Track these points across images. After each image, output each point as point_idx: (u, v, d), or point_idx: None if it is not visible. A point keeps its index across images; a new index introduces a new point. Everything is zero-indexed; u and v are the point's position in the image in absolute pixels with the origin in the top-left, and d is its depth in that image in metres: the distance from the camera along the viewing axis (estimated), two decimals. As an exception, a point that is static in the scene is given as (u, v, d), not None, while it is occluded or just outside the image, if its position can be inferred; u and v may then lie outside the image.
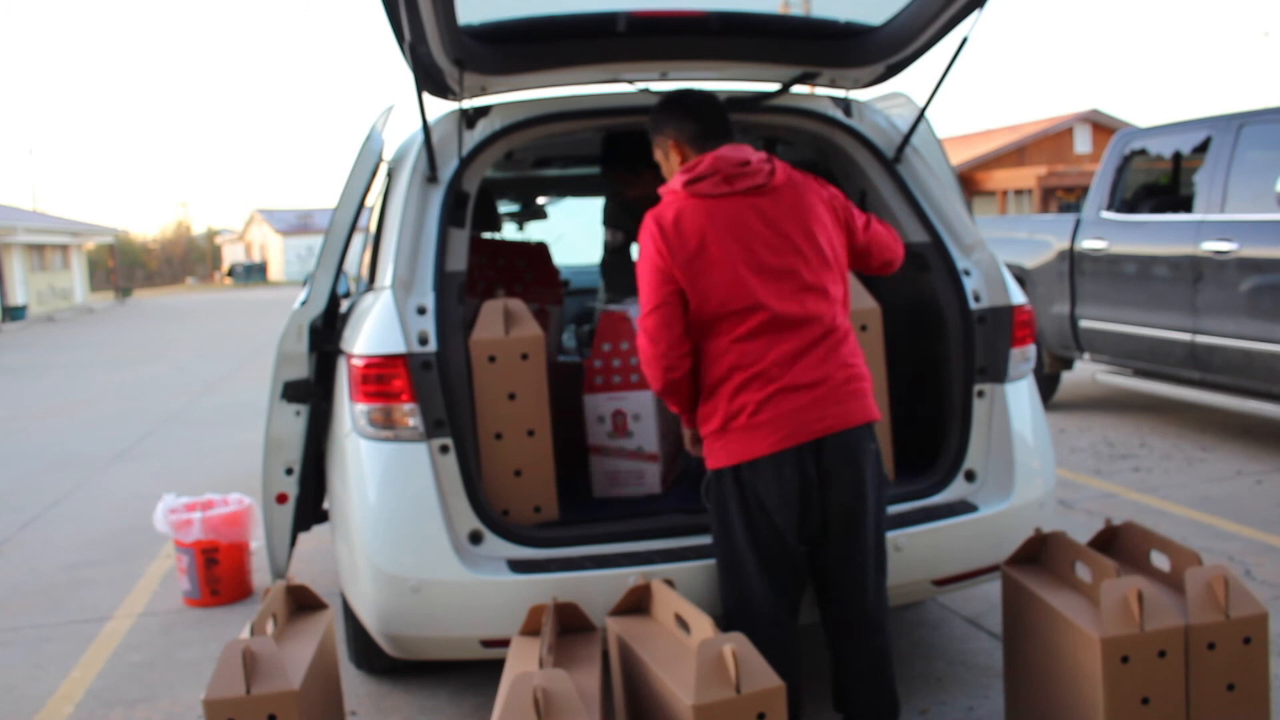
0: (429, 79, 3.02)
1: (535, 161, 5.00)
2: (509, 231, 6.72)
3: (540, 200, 6.77)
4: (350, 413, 2.90)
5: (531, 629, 2.57)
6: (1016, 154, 29.49)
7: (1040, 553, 2.79)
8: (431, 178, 3.11)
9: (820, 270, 2.57)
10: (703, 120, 2.66)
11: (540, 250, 4.11)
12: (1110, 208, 7.08)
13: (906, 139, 3.45)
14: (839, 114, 3.49)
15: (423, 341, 2.84)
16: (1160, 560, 2.69)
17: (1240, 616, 2.40)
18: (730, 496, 2.54)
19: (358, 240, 3.71)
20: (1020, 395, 3.20)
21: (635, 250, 4.92)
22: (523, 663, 2.40)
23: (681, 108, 2.69)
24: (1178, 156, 7.07)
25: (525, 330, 3.02)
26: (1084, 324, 7.14)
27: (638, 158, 3.97)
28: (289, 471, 3.27)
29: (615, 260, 4.61)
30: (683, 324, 2.54)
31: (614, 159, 4.11)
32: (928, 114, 3.43)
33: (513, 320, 3.03)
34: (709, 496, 2.64)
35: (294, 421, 3.23)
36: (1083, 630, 2.41)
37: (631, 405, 3.26)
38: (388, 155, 3.44)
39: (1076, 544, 2.67)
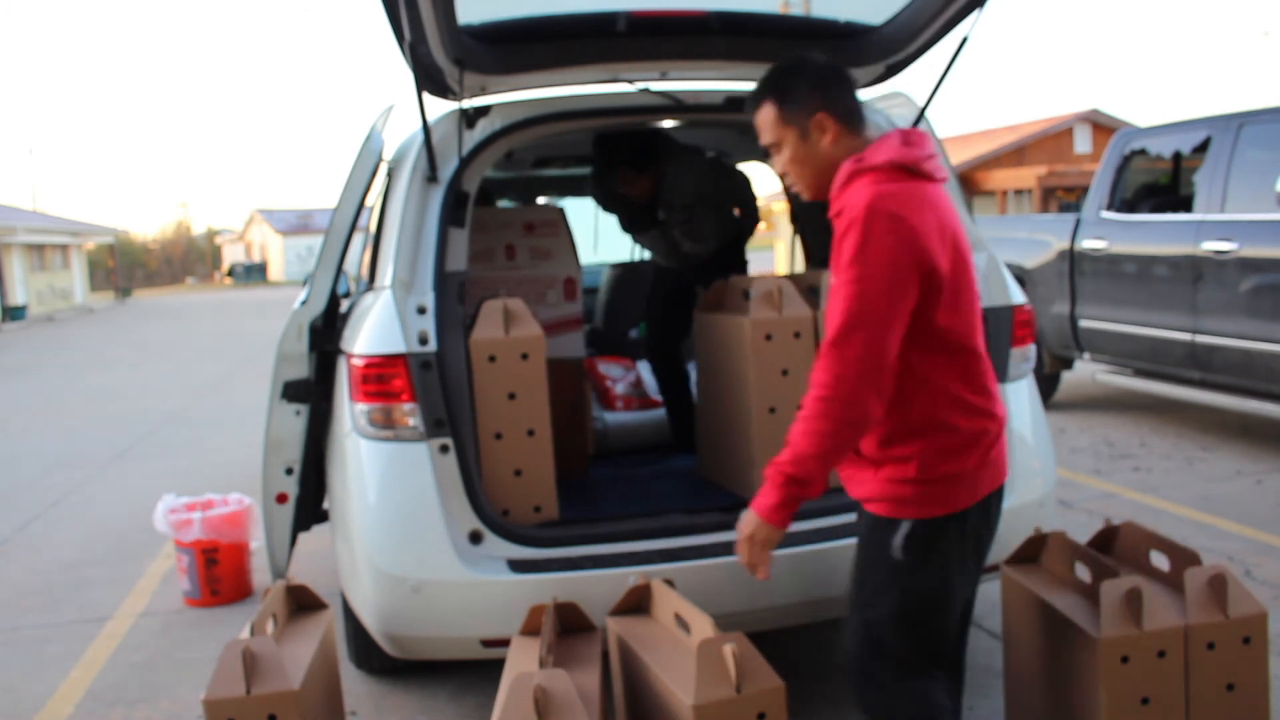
0: (429, 79, 3.02)
1: (535, 161, 5.00)
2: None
3: (540, 200, 6.78)
4: (350, 412, 2.90)
5: (531, 629, 2.57)
6: (1016, 154, 29.46)
7: (1040, 552, 2.79)
8: (431, 177, 3.11)
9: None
10: (852, 93, 2.17)
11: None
12: (1110, 207, 7.08)
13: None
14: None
15: (423, 341, 2.84)
16: (1160, 560, 2.69)
17: (1240, 616, 2.40)
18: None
19: (358, 240, 3.71)
20: (1020, 395, 3.20)
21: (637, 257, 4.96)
22: (523, 663, 2.40)
23: (830, 73, 2.15)
24: (1178, 156, 7.07)
25: (525, 330, 3.02)
26: (1084, 324, 7.14)
27: (644, 154, 3.96)
28: (289, 471, 3.28)
29: (627, 275, 4.61)
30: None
31: (619, 156, 4.05)
32: (928, 114, 3.43)
33: (513, 320, 3.03)
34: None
35: (294, 421, 3.23)
36: (1082, 630, 2.41)
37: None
38: (388, 155, 3.44)
39: (1076, 544, 2.67)
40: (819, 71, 2.14)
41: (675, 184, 4.08)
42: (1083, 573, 2.63)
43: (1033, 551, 2.81)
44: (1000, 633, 3.11)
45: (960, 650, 2.35)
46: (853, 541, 2.38)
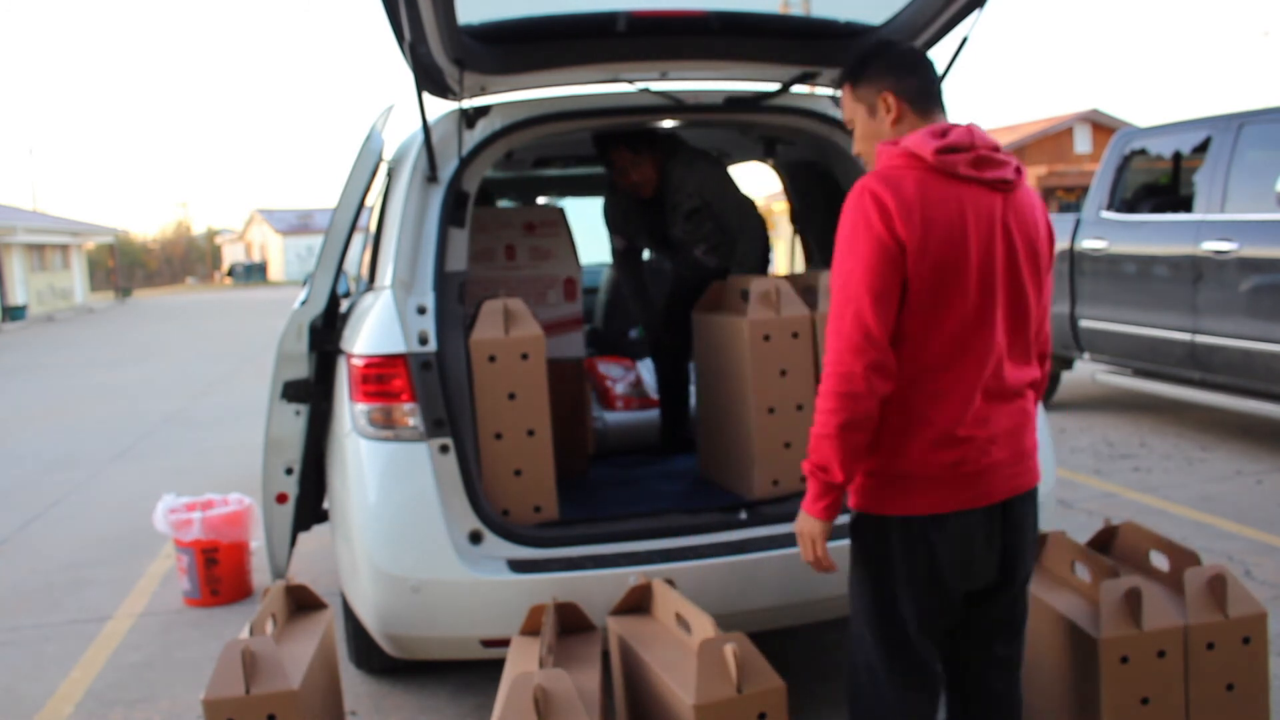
0: (429, 79, 3.02)
1: (535, 161, 5.00)
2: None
3: (540, 200, 6.78)
4: (350, 412, 2.90)
5: (531, 629, 2.57)
6: (1016, 154, 28.94)
7: (1040, 553, 2.79)
8: (431, 178, 3.11)
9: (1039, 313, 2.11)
10: (927, 78, 2.13)
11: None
12: (1110, 207, 7.08)
13: (906, 139, 3.44)
14: (839, 114, 3.49)
15: (423, 341, 2.84)
16: (1159, 560, 2.69)
17: (1239, 616, 2.40)
18: None
19: (358, 240, 3.71)
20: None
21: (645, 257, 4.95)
22: (523, 663, 2.40)
23: (906, 56, 2.16)
24: (1178, 156, 7.07)
25: (525, 330, 3.02)
26: (1084, 324, 7.15)
27: (639, 136, 3.92)
28: (289, 471, 3.28)
29: (622, 270, 4.55)
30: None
31: (613, 137, 3.96)
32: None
33: (513, 320, 3.03)
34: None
35: (294, 421, 3.23)
36: (1083, 630, 2.41)
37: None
38: (388, 155, 3.44)
39: (1076, 544, 2.68)
40: (893, 53, 2.17)
41: (680, 181, 4.04)
42: (1082, 573, 2.63)
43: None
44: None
45: (962, 676, 2.24)
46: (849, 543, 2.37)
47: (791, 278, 3.51)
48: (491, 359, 2.99)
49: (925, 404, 2.00)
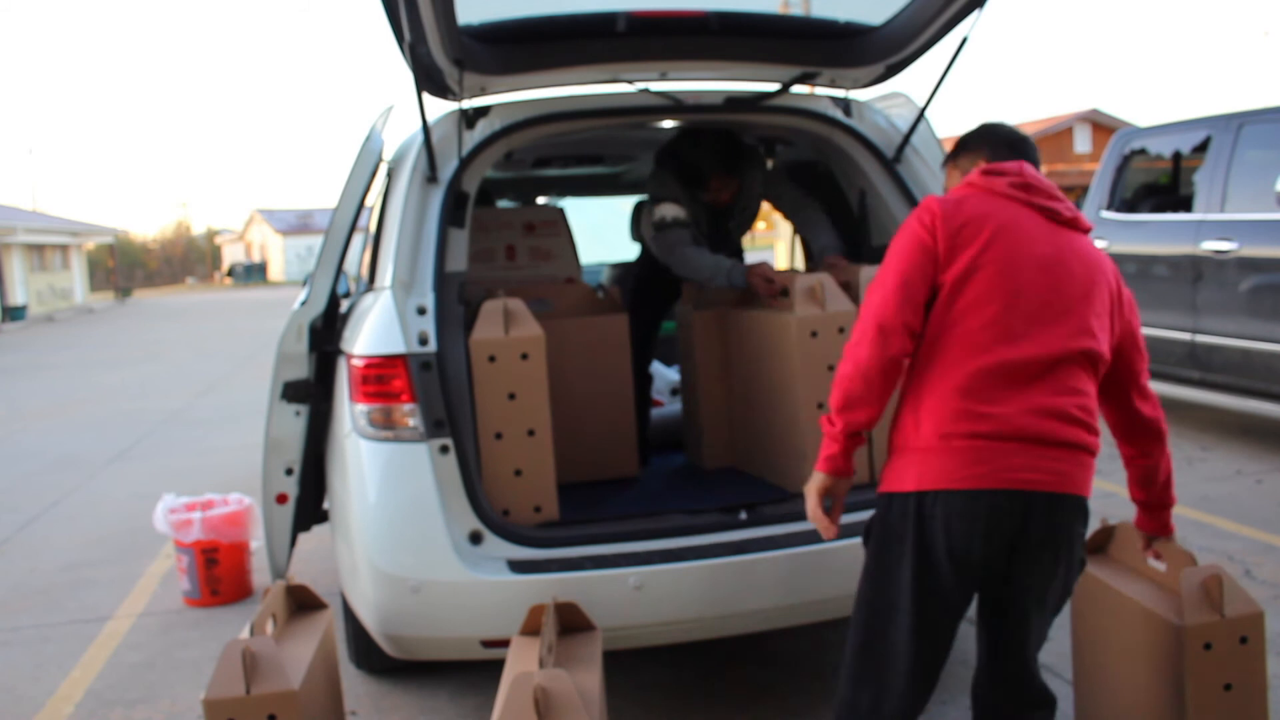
0: (429, 79, 3.02)
1: (535, 161, 5.00)
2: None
3: (540, 200, 6.78)
4: (350, 413, 2.90)
5: (531, 629, 2.57)
6: (1016, 154, 29.46)
7: (1108, 543, 2.81)
8: (431, 178, 3.11)
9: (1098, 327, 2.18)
10: (1012, 145, 2.33)
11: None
12: (1110, 207, 7.08)
13: (906, 139, 3.45)
14: (839, 114, 3.49)
15: (423, 342, 2.84)
16: (1155, 561, 2.69)
17: (1236, 616, 2.40)
18: None
19: (358, 240, 3.71)
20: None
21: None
22: (523, 663, 2.40)
23: (992, 134, 2.37)
24: (1178, 156, 7.07)
25: (525, 330, 3.02)
26: (1084, 324, 7.13)
27: (736, 155, 3.76)
28: (289, 471, 3.28)
29: (627, 275, 4.34)
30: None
31: (715, 159, 3.71)
32: (927, 114, 3.43)
33: (513, 320, 3.03)
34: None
35: (294, 422, 3.23)
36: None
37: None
38: (388, 155, 3.44)
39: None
40: (996, 135, 2.37)
41: (751, 189, 3.92)
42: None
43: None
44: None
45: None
46: (852, 542, 2.38)
47: (831, 270, 3.46)
48: (491, 359, 2.99)
49: (930, 382, 2.10)
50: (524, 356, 3.01)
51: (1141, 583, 2.62)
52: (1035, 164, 2.29)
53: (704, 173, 3.73)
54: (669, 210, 3.74)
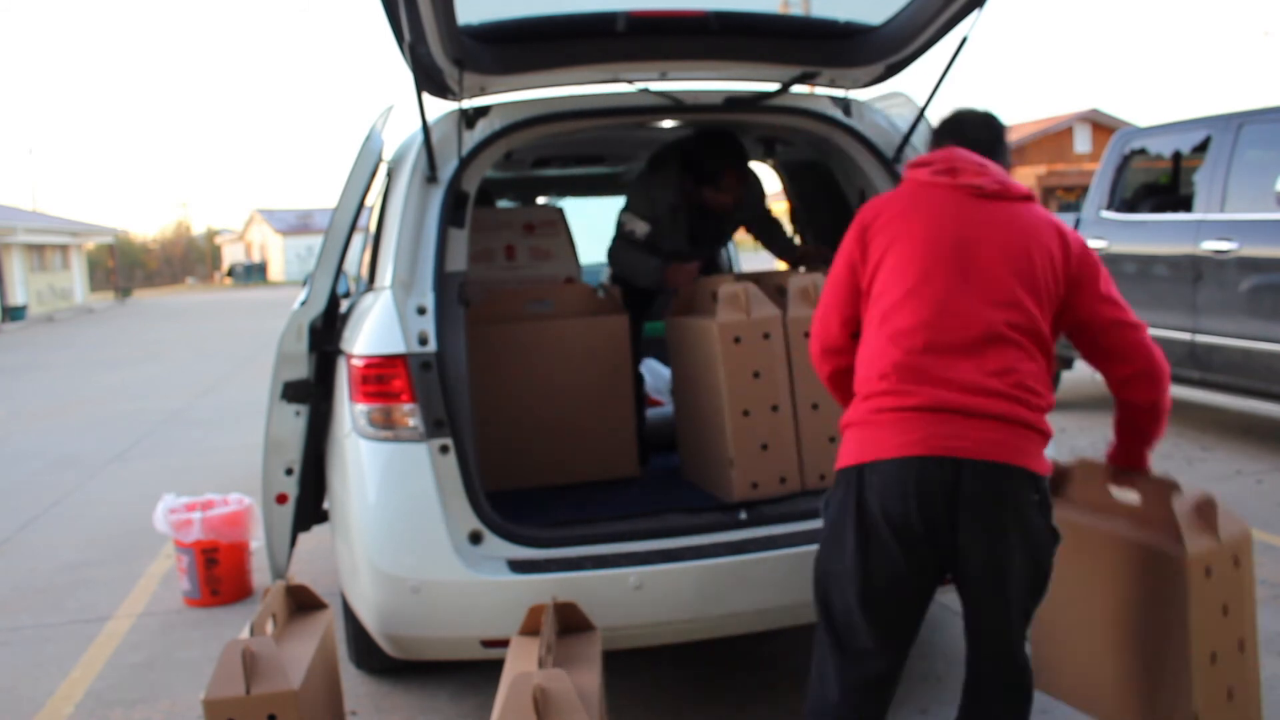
0: (429, 79, 3.02)
1: (535, 161, 5.00)
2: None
3: (540, 200, 6.78)
4: (350, 413, 2.90)
5: (531, 629, 2.57)
6: (1016, 153, 29.31)
7: (1065, 485, 2.68)
8: (431, 178, 3.11)
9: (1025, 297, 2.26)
10: (958, 132, 2.43)
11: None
12: (1110, 207, 7.08)
13: (906, 139, 3.45)
14: (839, 114, 3.49)
15: (422, 342, 2.85)
16: (1125, 495, 2.56)
17: (1230, 539, 2.38)
18: None
19: (358, 240, 3.71)
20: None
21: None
22: (523, 663, 2.40)
23: (941, 127, 2.48)
24: (1177, 156, 7.07)
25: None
26: (1084, 324, 7.13)
27: (742, 156, 3.78)
28: (289, 471, 3.28)
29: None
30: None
31: (728, 160, 3.74)
32: (928, 114, 3.43)
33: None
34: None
35: (294, 422, 3.23)
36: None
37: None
38: (387, 155, 3.44)
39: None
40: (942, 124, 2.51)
41: (753, 190, 3.95)
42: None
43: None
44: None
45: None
46: None
47: (765, 275, 3.51)
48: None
49: (864, 368, 2.26)
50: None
51: (1115, 518, 2.51)
52: (981, 141, 2.38)
53: (718, 172, 3.75)
54: (639, 226, 3.86)
